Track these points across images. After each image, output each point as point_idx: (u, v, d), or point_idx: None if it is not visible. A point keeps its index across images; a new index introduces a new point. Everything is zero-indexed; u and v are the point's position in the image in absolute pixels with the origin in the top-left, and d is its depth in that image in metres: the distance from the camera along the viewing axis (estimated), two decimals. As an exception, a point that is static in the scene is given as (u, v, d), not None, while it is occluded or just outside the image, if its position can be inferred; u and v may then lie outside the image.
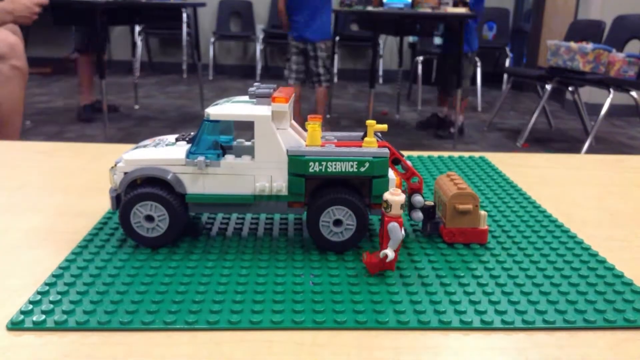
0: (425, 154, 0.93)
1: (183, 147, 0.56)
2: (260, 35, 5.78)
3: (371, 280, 0.50)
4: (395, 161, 0.59)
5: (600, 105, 3.26)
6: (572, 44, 3.27)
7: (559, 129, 4.09)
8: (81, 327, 0.43)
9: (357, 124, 3.96)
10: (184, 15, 4.60)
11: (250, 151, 0.57)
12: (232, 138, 0.61)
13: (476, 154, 0.93)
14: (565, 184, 0.81)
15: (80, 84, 3.74)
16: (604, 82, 3.20)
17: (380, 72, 5.87)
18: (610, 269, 0.53)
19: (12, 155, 0.90)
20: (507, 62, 5.44)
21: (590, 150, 3.27)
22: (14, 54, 1.85)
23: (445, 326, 0.44)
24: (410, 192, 0.59)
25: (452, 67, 3.45)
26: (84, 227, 0.61)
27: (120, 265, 0.52)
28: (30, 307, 0.45)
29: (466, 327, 0.44)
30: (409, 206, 0.59)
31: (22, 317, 0.43)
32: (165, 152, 0.56)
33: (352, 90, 5.38)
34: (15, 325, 0.42)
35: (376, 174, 0.54)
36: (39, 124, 3.61)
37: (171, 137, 0.60)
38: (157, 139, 0.61)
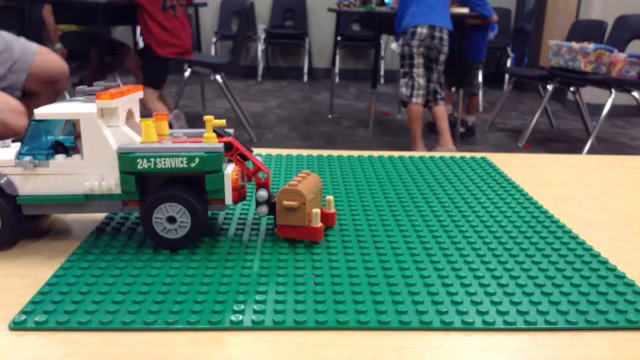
0: (427, 154, 0.93)
1: (15, 149, 0.56)
2: (262, 35, 5.79)
3: (373, 280, 0.50)
4: (244, 157, 0.57)
5: (602, 106, 3.26)
6: (574, 44, 3.27)
7: (560, 130, 4.09)
8: (83, 327, 0.43)
9: (359, 124, 3.96)
10: (186, 15, 4.59)
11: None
12: None
13: (477, 155, 0.93)
14: (567, 185, 0.81)
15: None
16: (606, 83, 3.20)
17: (382, 72, 5.87)
18: (612, 269, 0.53)
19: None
20: (509, 62, 5.45)
21: (591, 151, 3.27)
22: (62, 80, 1.91)
23: (447, 327, 0.44)
24: (257, 187, 0.58)
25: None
26: (86, 227, 0.61)
27: (122, 266, 0.52)
28: (33, 307, 0.45)
29: (468, 327, 0.44)
30: (256, 201, 0.59)
31: (24, 317, 0.43)
32: None
33: (353, 90, 5.39)
34: (17, 326, 0.43)
35: (208, 169, 0.53)
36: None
37: (9, 140, 0.60)
38: None
